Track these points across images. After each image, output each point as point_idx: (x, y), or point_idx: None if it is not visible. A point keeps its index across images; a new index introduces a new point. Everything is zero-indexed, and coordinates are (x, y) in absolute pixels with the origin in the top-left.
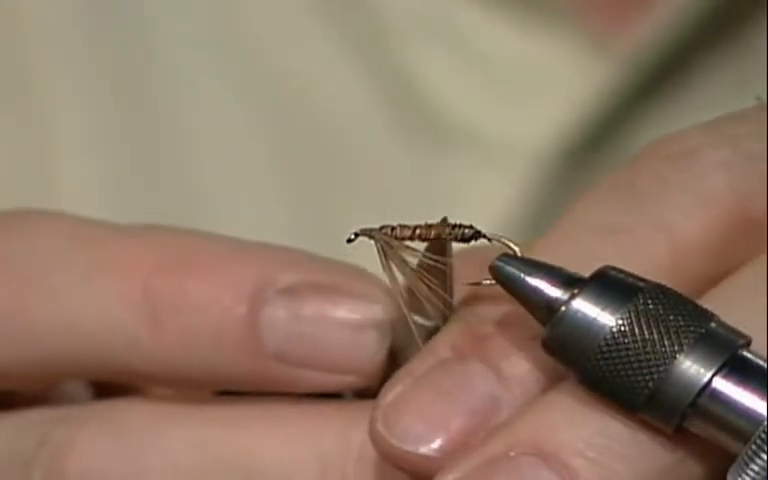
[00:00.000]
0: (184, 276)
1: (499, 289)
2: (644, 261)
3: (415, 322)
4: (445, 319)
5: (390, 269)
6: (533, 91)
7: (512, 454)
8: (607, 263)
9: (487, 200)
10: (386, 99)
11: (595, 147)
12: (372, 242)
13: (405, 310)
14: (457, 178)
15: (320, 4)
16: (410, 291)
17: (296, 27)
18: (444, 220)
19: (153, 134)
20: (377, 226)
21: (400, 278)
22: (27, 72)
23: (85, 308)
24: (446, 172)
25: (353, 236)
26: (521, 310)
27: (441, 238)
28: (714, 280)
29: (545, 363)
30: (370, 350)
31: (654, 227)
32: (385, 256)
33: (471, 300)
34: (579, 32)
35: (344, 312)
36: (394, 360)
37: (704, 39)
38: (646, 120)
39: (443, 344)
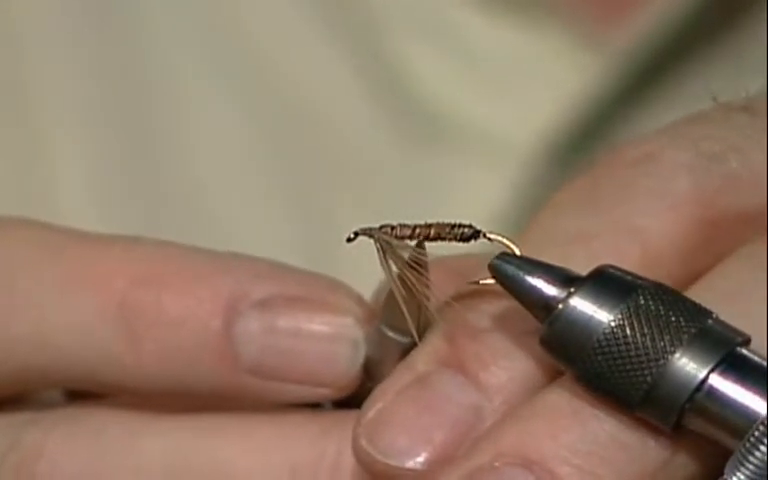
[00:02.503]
0: (160, 290)
1: (498, 288)
2: (617, 265)
3: (391, 336)
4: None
5: (389, 268)
6: (524, 86)
7: (497, 464)
8: (580, 269)
9: (478, 195)
10: (377, 95)
11: (586, 142)
12: (372, 241)
13: (404, 310)
14: (448, 173)
15: (313, 3)
16: (387, 302)
17: (288, 25)
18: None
19: (148, 134)
20: (377, 225)
21: (399, 277)
22: (20, 72)
23: (59, 321)
24: (437, 167)
25: (353, 235)
26: (519, 308)
27: (441, 238)
28: (686, 281)
29: (524, 369)
30: (344, 362)
31: (624, 231)
32: (384, 255)
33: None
34: (570, 28)
35: (318, 325)
36: (369, 372)
37: (696, 35)
38: (636, 116)
39: (422, 357)
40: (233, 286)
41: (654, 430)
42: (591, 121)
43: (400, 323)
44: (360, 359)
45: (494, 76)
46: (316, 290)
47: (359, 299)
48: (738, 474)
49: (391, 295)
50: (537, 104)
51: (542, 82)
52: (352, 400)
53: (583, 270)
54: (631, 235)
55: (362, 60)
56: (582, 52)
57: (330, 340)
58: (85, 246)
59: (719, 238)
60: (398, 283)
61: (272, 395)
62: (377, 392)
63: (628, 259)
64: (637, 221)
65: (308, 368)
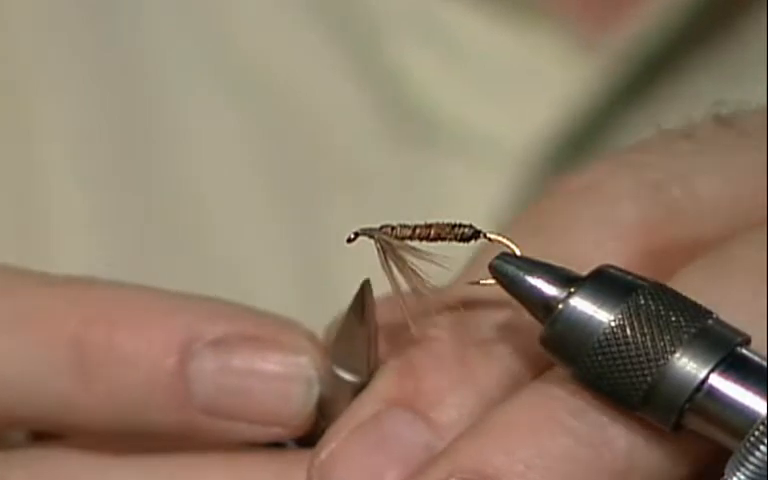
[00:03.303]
0: (111, 330)
1: (498, 288)
2: None
3: (341, 375)
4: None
5: (389, 269)
6: (520, 90)
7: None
8: None
9: (474, 198)
10: (374, 99)
11: (581, 146)
12: (372, 242)
13: (405, 310)
14: (444, 177)
15: (309, 5)
16: (337, 340)
17: (288, 31)
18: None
19: (146, 138)
20: (377, 226)
21: (399, 277)
22: (19, 72)
23: (9, 361)
24: (433, 171)
25: (353, 236)
26: (520, 308)
27: (441, 238)
28: None
29: (474, 403)
30: (298, 402)
31: (568, 261)
32: (385, 255)
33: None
34: (565, 31)
35: (272, 364)
36: (323, 411)
37: (691, 38)
38: (632, 119)
39: (372, 396)
40: (187, 325)
41: (654, 430)
42: (587, 123)
43: (351, 361)
44: (314, 398)
45: (491, 79)
46: (270, 329)
47: (313, 338)
48: (738, 474)
49: (341, 333)
50: (534, 107)
51: (539, 85)
52: (312, 439)
53: None
54: (576, 266)
55: (361, 65)
56: (578, 55)
57: (284, 379)
58: (35, 285)
59: (662, 264)
60: (399, 284)
61: (226, 434)
62: (329, 432)
63: None
64: (581, 251)
65: (262, 407)
